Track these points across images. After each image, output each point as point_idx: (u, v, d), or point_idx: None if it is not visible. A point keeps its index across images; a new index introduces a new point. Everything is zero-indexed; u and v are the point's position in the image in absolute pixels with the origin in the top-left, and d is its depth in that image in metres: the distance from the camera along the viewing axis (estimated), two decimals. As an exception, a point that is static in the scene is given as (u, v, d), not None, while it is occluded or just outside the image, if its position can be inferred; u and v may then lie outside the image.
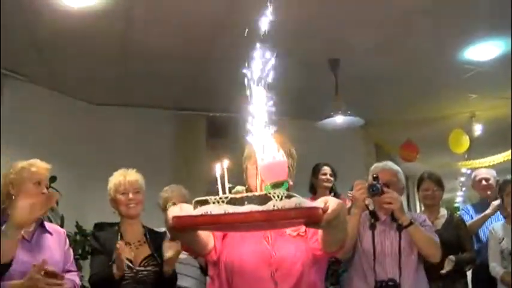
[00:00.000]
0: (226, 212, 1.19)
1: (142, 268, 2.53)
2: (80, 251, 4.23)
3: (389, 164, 2.90)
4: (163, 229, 2.73)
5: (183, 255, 2.96)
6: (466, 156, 7.36)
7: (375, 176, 2.63)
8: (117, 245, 2.38)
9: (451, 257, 3.07)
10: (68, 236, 4.19)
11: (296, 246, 1.68)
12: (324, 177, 4.03)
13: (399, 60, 4.50)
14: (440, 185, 3.50)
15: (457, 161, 7.46)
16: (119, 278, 2.40)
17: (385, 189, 2.56)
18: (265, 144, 1.30)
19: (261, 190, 1.30)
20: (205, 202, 1.22)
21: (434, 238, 2.64)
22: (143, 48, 4.11)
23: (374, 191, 2.55)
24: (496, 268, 3.21)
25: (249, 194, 1.24)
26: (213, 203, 1.20)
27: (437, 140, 6.49)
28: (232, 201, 1.21)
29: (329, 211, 1.28)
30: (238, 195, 1.22)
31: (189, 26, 3.73)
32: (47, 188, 2.39)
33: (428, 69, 4.77)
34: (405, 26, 3.85)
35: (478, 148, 6.92)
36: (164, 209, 3.25)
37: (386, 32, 3.91)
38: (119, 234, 2.60)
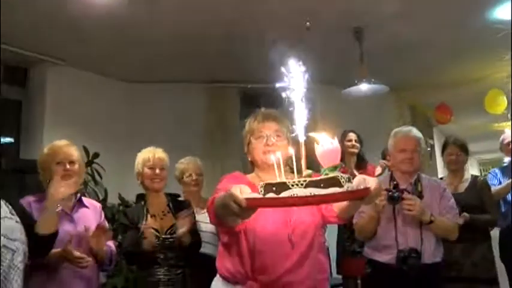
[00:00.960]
0: (312, 194, 1.35)
1: (168, 236, 2.76)
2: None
3: (413, 131, 2.88)
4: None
5: (204, 224, 3.20)
6: (509, 116, 7.22)
7: (395, 183, 2.72)
8: (143, 228, 2.69)
9: (465, 214, 3.14)
10: (111, 207, 4.56)
11: (309, 212, 1.89)
12: (349, 143, 4.09)
13: (426, 25, 4.44)
14: (464, 150, 3.56)
15: (494, 122, 7.33)
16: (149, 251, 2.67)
17: (405, 195, 2.59)
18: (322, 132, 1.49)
19: (305, 169, 1.50)
20: (282, 185, 1.36)
21: (453, 225, 2.68)
22: (168, 29, 4.25)
23: (394, 199, 2.58)
24: None
25: (317, 178, 1.39)
26: (292, 185, 1.35)
27: (473, 101, 6.38)
28: (308, 184, 1.36)
29: (372, 191, 1.46)
30: (313, 178, 1.37)
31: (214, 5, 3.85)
32: (71, 163, 2.54)
33: (457, 32, 4.69)
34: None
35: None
36: (180, 180, 3.49)
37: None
38: (145, 208, 2.85)
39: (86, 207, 2.63)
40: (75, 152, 2.58)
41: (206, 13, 3.96)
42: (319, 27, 4.20)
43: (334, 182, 1.34)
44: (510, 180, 3.81)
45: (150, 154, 2.90)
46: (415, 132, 2.87)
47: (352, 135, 4.13)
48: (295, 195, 1.34)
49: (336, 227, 4.06)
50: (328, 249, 5.13)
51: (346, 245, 3.89)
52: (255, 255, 1.83)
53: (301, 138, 1.54)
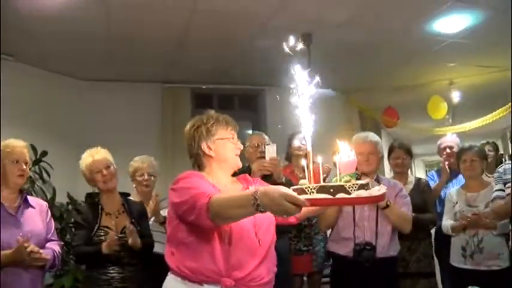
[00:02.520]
0: (359, 195, 1.56)
1: (123, 235, 2.78)
2: (72, 220, 4.49)
3: (370, 135, 3.13)
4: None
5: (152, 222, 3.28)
6: (450, 121, 7.58)
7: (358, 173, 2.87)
8: (109, 236, 2.69)
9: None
10: (60, 206, 4.50)
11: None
12: (300, 147, 4.16)
13: (373, 32, 4.61)
14: (409, 154, 3.76)
15: (438, 126, 7.68)
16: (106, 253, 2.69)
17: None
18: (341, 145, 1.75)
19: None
20: (300, 190, 1.58)
21: (407, 213, 2.91)
22: (125, 28, 4.25)
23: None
24: (446, 224, 3.51)
25: (328, 184, 1.60)
26: (308, 190, 1.57)
27: (418, 106, 6.67)
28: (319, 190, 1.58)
29: None
30: (325, 184, 1.58)
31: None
32: (26, 164, 2.60)
33: (403, 40, 4.89)
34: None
35: (459, 113, 7.15)
36: (132, 178, 3.53)
37: (357, 5, 4.05)
38: (99, 206, 2.86)
39: (32, 207, 2.62)
40: (27, 153, 2.62)
41: (160, 13, 3.99)
42: (270, 32, 4.32)
43: (342, 188, 1.55)
44: (441, 181, 4.06)
45: (90, 159, 2.91)
46: (371, 136, 3.11)
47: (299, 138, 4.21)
48: (348, 197, 1.55)
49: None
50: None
51: (292, 244, 4.01)
52: (230, 252, 1.89)
53: (309, 147, 1.75)
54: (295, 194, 1.55)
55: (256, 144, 3.47)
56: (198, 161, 2.09)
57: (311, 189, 1.55)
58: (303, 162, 1.71)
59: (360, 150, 2.95)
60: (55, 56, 4.90)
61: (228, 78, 5.87)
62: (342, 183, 1.56)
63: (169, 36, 4.50)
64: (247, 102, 6.49)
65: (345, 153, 1.66)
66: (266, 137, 3.54)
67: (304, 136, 4.10)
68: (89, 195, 3.05)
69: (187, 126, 2.11)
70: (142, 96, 5.79)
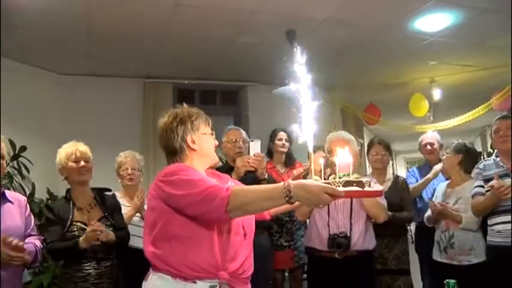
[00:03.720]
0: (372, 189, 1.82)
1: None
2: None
3: (342, 133, 3.23)
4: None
5: (136, 218, 3.29)
6: (431, 119, 7.67)
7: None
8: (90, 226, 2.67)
9: (388, 212, 3.34)
10: (39, 202, 4.44)
11: None
12: (279, 142, 4.18)
13: (357, 29, 4.63)
14: (388, 150, 3.78)
15: (419, 124, 7.77)
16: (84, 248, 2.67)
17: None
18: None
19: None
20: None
21: (381, 202, 2.96)
22: (107, 22, 4.20)
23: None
24: (425, 215, 3.56)
25: (352, 179, 1.78)
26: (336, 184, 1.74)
27: (400, 103, 6.73)
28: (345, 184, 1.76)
29: None
30: (349, 179, 1.76)
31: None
32: (3, 158, 2.57)
33: (386, 38, 4.92)
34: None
35: (440, 111, 7.24)
36: (117, 173, 3.57)
37: (340, 2, 4.06)
38: (71, 201, 2.83)
39: (10, 201, 2.57)
40: (4, 147, 2.57)
41: (142, 8, 3.96)
42: (254, 28, 4.31)
43: (361, 183, 1.75)
44: (425, 178, 4.10)
45: (72, 148, 2.89)
46: (344, 134, 3.20)
47: (282, 135, 4.21)
48: (371, 189, 1.79)
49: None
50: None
51: (274, 239, 4.02)
52: (227, 244, 1.91)
53: (310, 148, 1.92)
54: (332, 186, 1.71)
55: (233, 140, 3.46)
56: (179, 154, 2.05)
57: (337, 183, 1.73)
58: (321, 160, 1.97)
59: (332, 148, 3.05)
60: (35, 50, 4.82)
61: (210, 74, 5.85)
62: (360, 179, 1.76)
63: (151, 31, 4.46)
64: (229, 98, 6.49)
65: (344, 155, 1.86)
66: (243, 132, 3.54)
67: (298, 135, 4.19)
68: (68, 191, 3.01)
69: (167, 119, 2.09)
70: (124, 92, 5.74)
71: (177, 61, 5.34)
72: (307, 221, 4.24)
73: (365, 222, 2.98)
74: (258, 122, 5.83)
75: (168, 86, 5.87)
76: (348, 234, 2.91)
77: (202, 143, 2.08)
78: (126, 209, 3.30)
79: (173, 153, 2.07)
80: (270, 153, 4.24)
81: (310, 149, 1.91)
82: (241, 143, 3.35)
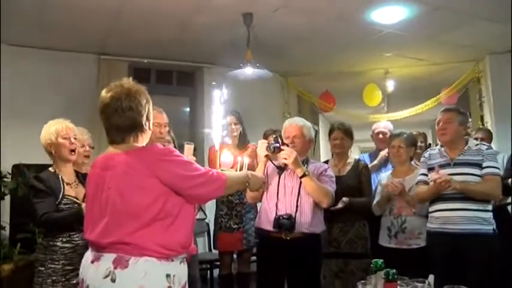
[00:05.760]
0: None
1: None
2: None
3: (296, 119, 3.32)
4: None
5: None
6: (385, 109, 7.84)
7: (274, 136, 3.06)
8: None
9: (345, 198, 3.45)
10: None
11: None
12: (228, 127, 4.14)
13: (313, 17, 4.68)
14: (348, 135, 3.79)
15: (373, 114, 7.94)
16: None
17: (283, 146, 2.96)
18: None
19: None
20: None
21: (326, 188, 3.02)
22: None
23: (272, 149, 2.97)
24: (374, 203, 3.66)
25: None
26: None
27: (354, 92, 6.84)
28: None
29: None
30: None
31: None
32: None
33: (343, 27, 4.99)
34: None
35: (393, 102, 7.42)
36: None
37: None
38: (60, 176, 2.79)
39: None
40: None
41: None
42: (210, 8, 4.28)
43: None
44: (371, 164, 4.23)
45: (62, 124, 2.84)
46: (298, 120, 3.29)
47: (230, 119, 4.15)
48: None
49: (214, 203, 4.23)
50: (208, 225, 5.37)
51: (223, 221, 4.06)
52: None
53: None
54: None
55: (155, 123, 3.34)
56: (137, 133, 1.98)
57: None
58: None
59: (286, 133, 3.19)
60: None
61: (167, 54, 5.77)
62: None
63: (107, 5, 4.32)
64: (185, 78, 6.42)
65: (226, 155, 2.43)
66: (165, 117, 3.25)
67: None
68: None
69: (133, 89, 1.98)
70: (77, 67, 5.56)
71: (133, 39, 5.22)
72: (258, 204, 4.32)
73: (312, 206, 3.04)
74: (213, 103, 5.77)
75: (124, 64, 5.73)
76: (293, 215, 2.98)
77: (151, 128, 2.08)
78: None
79: (131, 129, 1.97)
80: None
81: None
82: (163, 128, 3.18)
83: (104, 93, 1.99)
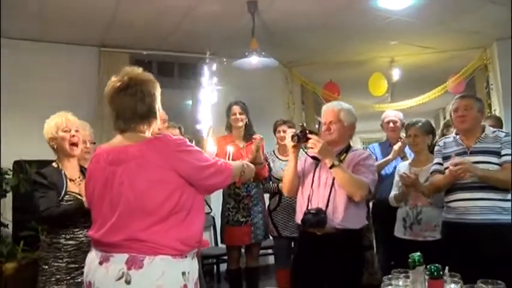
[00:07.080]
0: None
1: None
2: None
3: (334, 103, 3.05)
4: None
5: None
6: (389, 99, 7.74)
7: (300, 124, 2.93)
8: None
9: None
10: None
11: None
12: (233, 117, 4.05)
13: (319, 6, 4.59)
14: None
15: (377, 103, 7.83)
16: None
17: (310, 135, 2.74)
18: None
19: None
20: None
21: (359, 179, 2.75)
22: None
23: (297, 139, 2.77)
24: (391, 195, 3.56)
25: None
26: None
27: (359, 82, 6.74)
28: None
29: None
30: None
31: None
32: None
33: (348, 15, 4.91)
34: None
35: (398, 91, 7.32)
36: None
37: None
38: (63, 172, 2.69)
39: None
40: None
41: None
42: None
43: None
44: (386, 158, 4.11)
45: (62, 117, 2.74)
46: (336, 104, 3.01)
47: (235, 109, 4.06)
48: None
49: (220, 196, 4.13)
50: (213, 219, 5.27)
51: (230, 215, 3.96)
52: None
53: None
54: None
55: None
56: (150, 121, 1.91)
57: None
58: None
59: (323, 119, 2.96)
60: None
61: (168, 45, 5.66)
62: None
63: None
64: (186, 70, 6.31)
65: (210, 144, 2.33)
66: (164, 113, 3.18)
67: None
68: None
69: (143, 76, 1.92)
70: (77, 60, 5.47)
71: (134, 30, 5.13)
72: (265, 196, 4.22)
73: (346, 199, 2.78)
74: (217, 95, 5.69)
75: (125, 56, 5.63)
76: (324, 211, 2.76)
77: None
78: None
79: (147, 116, 1.90)
80: (228, 127, 4.13)
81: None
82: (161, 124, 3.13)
83: (117, 78, 1.90)
